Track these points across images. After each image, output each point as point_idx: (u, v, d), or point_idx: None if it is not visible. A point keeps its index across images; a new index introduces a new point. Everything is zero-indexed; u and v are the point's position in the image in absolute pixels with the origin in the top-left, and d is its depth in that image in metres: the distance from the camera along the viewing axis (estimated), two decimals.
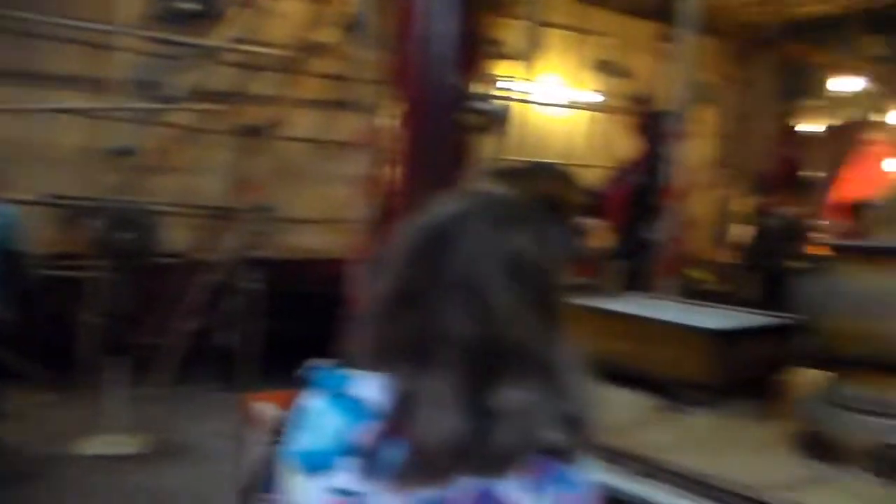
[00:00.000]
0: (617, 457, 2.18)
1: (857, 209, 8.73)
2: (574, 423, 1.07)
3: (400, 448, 1.00)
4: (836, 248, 2.05)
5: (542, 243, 1.10)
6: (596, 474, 1.14)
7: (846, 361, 2.02)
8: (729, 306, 3.42)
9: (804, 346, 2.17)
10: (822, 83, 11.87)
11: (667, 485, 2.04)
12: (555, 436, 1.05)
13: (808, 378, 2.36)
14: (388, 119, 3.71)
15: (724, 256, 8.99)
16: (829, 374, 2.11)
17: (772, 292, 6.76)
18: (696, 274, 7.44)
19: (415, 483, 1.01)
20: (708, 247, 9.32)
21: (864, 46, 11.56)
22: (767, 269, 7.42)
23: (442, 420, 1.00)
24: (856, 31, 10.89)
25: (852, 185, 12.92)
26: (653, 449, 2.18)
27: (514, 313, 1.04)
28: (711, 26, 7.96)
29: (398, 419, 1.01)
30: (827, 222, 11.38)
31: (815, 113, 11.92)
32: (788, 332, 2.24)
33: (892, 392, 1.90)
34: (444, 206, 1.12)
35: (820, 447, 2.02)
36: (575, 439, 1.07)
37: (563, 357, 1.09)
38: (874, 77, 11.14)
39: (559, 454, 1.06)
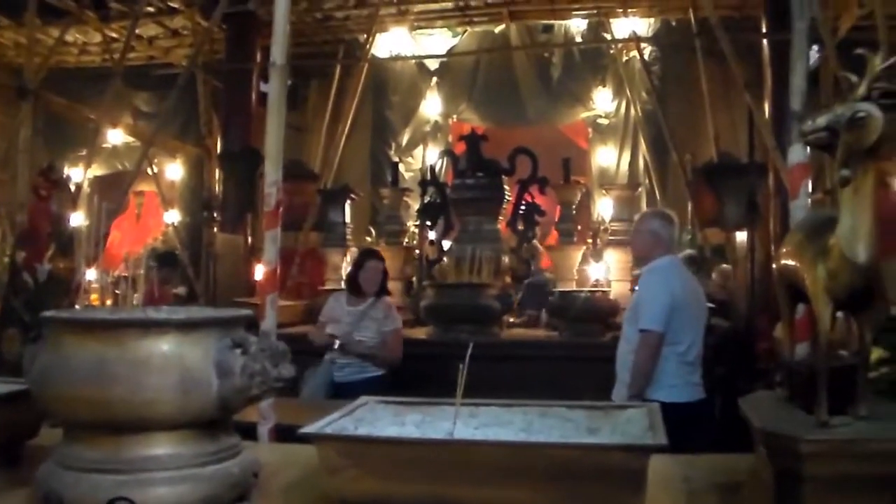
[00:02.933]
0: None
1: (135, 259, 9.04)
2: None
3: None
4: (50, 318, 2.14)
5: None
6: None
7: (75, 425, 2.14)
8: None
9: (40, 411, 2.24)
10: (92, 133, 12.12)
11: None
12: None
13: (54, 442, 2.41)
14: None
15: None
16: (64, 437, 2.21)
17: None
18: None
19: None
20: None
21: (127, 100, 12.16)
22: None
23: None
24: (119, 86, 11.38)
25: (124, 236, 13.44)
26: None
27: None
28: None
29: None
30: (97, 274, 11.58)
31: (83, 162, 12.10)
32: (28, 398, 2.28)
33: (117, 450, 2.07)
34: None
35: None
36: None
37: None
38: (138, 130, 11.78)
39: None
